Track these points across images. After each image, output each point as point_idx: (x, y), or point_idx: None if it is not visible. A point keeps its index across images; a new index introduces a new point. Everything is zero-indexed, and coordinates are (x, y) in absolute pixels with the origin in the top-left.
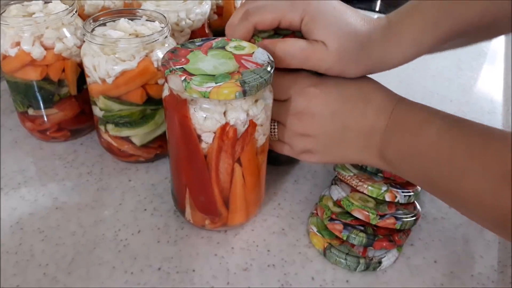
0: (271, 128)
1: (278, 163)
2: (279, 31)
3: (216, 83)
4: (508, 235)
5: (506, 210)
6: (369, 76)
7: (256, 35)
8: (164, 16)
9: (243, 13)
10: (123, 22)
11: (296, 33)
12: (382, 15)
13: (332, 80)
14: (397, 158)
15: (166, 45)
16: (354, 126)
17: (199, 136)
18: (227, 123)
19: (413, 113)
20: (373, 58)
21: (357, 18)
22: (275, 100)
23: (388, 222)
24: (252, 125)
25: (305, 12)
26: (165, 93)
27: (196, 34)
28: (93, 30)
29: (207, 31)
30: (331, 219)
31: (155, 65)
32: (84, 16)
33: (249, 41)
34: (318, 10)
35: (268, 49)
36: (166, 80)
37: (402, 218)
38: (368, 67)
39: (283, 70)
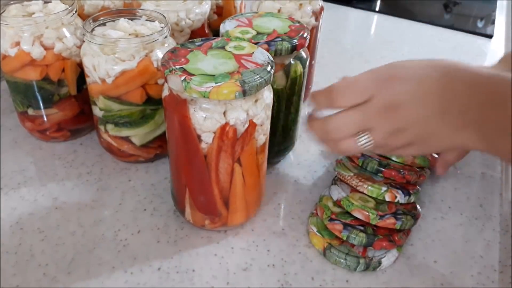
0: (361, 141)
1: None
2: (261, 31)
3: (216, 83)
4: None
5: None
6: None
7: (240, 37)
8: (164, 16)
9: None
10: (123, 22)
11: (279, 31)
12: (382, 15)
13: (405, 64)
14: (498, 133)
15: (166, 45)
16: (446, 105)
17: (199, 136)
18: (227, 123)
19: (502, 82)
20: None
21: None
22: (346, 110)
23: (388, 222)
24: (252, 125)
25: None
26: (165, 93)
27: (196, 34)
28: (93, 30)
29: (206, 31)
30: (331, 219)
31: (155, 65)
32: (84, 16)
33: None
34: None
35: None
36: (166, 80)
37: (402, 218)
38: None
39: None
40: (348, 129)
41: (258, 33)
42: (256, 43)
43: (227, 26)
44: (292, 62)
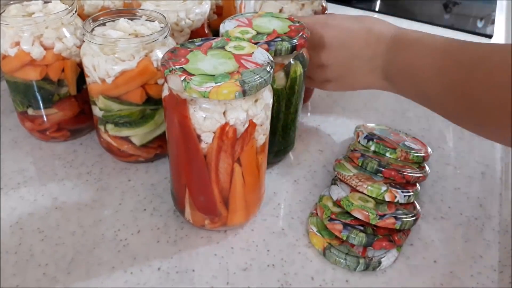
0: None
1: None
2: (260, 30)
3: (215, 83)
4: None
5: (481, 109)
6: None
7: (240, 37)
8: (164, 16)
9: None
10: (122, 22)
11: (278, 31)
12: (382, 15)
13: (337, 17)
14: (397, 74)
15: (166, 45)
16: (360, 53)
17: (198, 136)
18: (226, 123)
19: (408, 35)
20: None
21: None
22: None
23: (388, 222)
24: (251, 125)
25: None
26: (165, 93)
27: (195, 34)
28: (92, 30)
29: (206, 31)
30: (331, 219)
31: (155, 65)
32: (83, 16)
33: None
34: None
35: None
36: (165, 80)
37: (402, 218)
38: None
39: None
40: None
41: (258, 33)
42: (256, 43)
43: (227, 26)
44: (292, 62)
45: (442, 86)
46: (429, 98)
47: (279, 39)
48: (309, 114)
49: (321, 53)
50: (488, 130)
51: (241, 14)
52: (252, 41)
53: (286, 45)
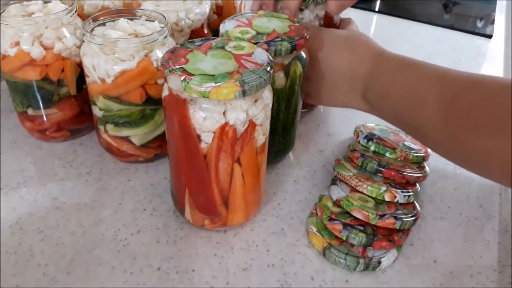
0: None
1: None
2: (261, 30)
3: (215, 83)
4: (453, 157)
5: (452, 133)
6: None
7: (240, 37)
8: (164, 16)
9: None
10: (122, 22)
11: (278, 31)
12: (382, 15)
13: (327, 30)
14: (375, 98)
15: (166, 45)
16: (340, 71)
17: (198, 136)
18: (226, 123)
19: (390, 62)
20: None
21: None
22: None
23: (388, 222)
24: (251, 125)
25: None
26: (165, 93)
27: (195, 34)
28: (92, 30)
29: (206, 31)
30: (331, 219)
31: (155, 65)
32: (83, 16)
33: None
34: None
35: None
36: (165, 80)
37: (402, 218)
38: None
39: None
40: None
41: (257, 33)
42: (255, 43)
43: (226, 26)
44: (292, 62)
45: (423, 116)
46: (405, 120)
47: (279, 39)
48: (309, 114)
49: (310, 66)
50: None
51: (241, 14)
52: (252, 41)
53: (286, 45)
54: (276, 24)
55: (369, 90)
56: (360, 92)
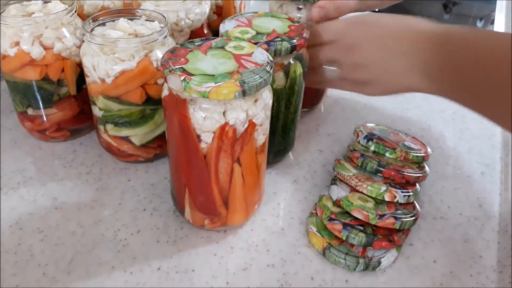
0: (329, 69)
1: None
2: (260, 31)
3: (215, 83)
4: None
5: None
6: None
7: (240, 37)
8: (164, 16)
9: None
10: (122, 22)
11: (278, 31)
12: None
13: (375, 14)
14: (441, 72)
15: (166, 45)
16: (396, 50)
17: (198, 136)
18: (226, 123)
19: (455, 31)
20: None
21: None
22: (322, 44)
23: (388, 222)
24: (251, 125)
25: None
26: (165, 93)
27: (195, 34)
28: (92, 30)
29: (206, 31)
30: (331, 219)
31: (155, 65)
32: (83, 16)
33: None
34: None
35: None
36: (165, 80)
37: (402, 218)
38: None
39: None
40: (320, 57)
41: (257, 33)
42: (255, 43)
43: (226, 26)
44: (291, 62)
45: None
46: (484, 101)
47: (279, 39)
48: (309, 114)
49: (357, 53)
50: None
51: (241, 14)
52: (252, 41)
53: (286, 45)
54: (276, 24)
55: (432, 64)
56: (422, 69)
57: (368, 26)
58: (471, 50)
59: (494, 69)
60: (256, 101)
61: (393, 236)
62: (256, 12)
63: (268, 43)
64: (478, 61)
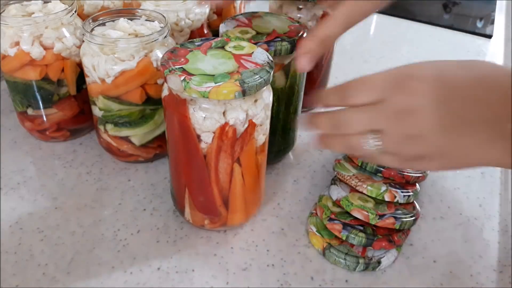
0: (370, 141)
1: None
2: (260, 30)
3: (215, 83)
4: None
5: None
6: None
7: (240, 37)
8: (164, 16)
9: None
10: (122, 22)
11: (278, 31)
12: (381, 15)
13: (431, 64)
14: None
15: (166, 45)
16: (476, 113)
17: (198, 136)
18: (226, 123)
19: None
20: None
21: None
22: (363, 105)
23: (388, 222)
24: (251, 125)
25: None
26: (165, 93)
27: (195, 34)
28: (92, 30)
29: (206, 31)
30: (331, 219)
31: (155, 65)
32: (83, 16)
33: None
34: None
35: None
36: (165, 80)
37: (401, 218)
38: None
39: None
40: (359, 125)
41: (257, 33)
42: (255, 43)
43: (226, 26)
44: (292, 62)
45: None
46: None
47: (279, 39)
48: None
49: (408, 120)
50: None
51: (241, 14)
52: (252, 41)
53: (286, 45)
54: (276, 24)
55: None
56: (507, 139)
57: (426, 82)
58: None
59: None
60: (256, 101)
61: (393, 236)
62: (256, 12)
63: (268, 43)
64: None
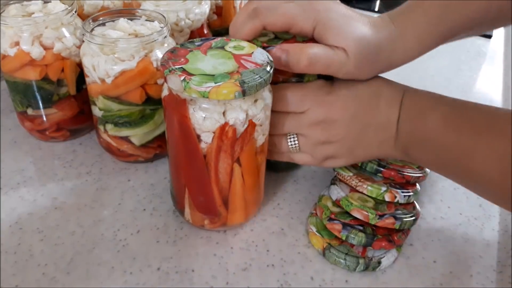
0: (290, 141)
1: (278, 169)
2: (279, 35)
3: (215, 83)
4: None
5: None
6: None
7: (255, 38)
8: (164, 16)
9: (252, 11)
10: (122, 22)
11: (297, 37)
12: (381, 15)
13: (343, 84)
14: (410, 145)
15: (166, 45)
16: (373, 123)
17: (198, 136)
18: (226, 123)
19: (419, 101)
20: (382, 59)
21: (365, 21)
22: (289, 112)
23: (387, 222)
24: (251, 125)
25: (317, 22)
26: (165, 93)
27: (195, 34)
28: (92, 30)
29: (206, 31)
30: (330, 219)
31: (155, 65)
32: (83, 16)
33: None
34: (329, 18)
35: (291, 53)
36: (165, 80)
37: (402, 218)
38: (379, 68)
39: (286, 79)
40: (282, 128)
41: (276, 37)
42: (267, 47)
43: None
44: None
45: (459, 158)
46: (448, 169)
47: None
48: None
49: (327, 130)
50: None
51: None
52: (265, 44)
53: None
54: None
55: (402, 136)
56: (394, 140)
57: (337, 100)
58: (435, 122)
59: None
60: (256, 101)
61: (393, 236)
62: None
63: None
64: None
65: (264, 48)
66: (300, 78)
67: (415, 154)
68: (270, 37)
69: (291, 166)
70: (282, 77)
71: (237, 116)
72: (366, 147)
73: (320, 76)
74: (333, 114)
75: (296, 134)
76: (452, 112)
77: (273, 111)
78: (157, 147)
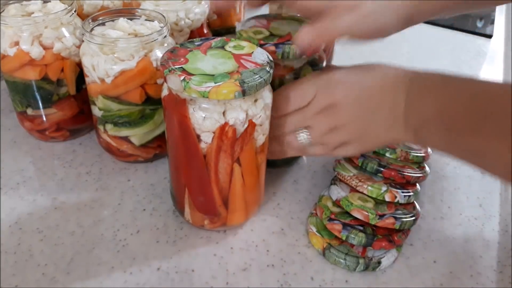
0: (300, 136)
1: (276, 165)
2: (275, 32)
3: (215, 82)
4: None
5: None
6: None
7: (252, 37)
8: (163, 16)
9: None
10: (122, 21)
11: (292, 34)
12: None
13: (342, 70)
14: (420, 123)
15: (165, 44)
16: (378, 106)
17: (198, 136)
18: (226, 123)
19: (425, 81)
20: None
21: None
22: (295, 110)
23: (388, 222)
24: (251, 125)
25: None
26: (164, 92)
27: (195, 33)
28: (92, 29)
29: (206, 31)
30: (330, 219)
31: (154, 65)
32: (83, 16)
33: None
34: None
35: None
36: (165, 80)
37: (402, 218)
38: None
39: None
40: (288, 126)
41: (271, 34)
42: (263, 44)
43: (242, 25)
44: (304, 66)
45: (471, 131)
46: (459, 145)
47: (289, 42)
48: None
49: (331, 115)
50: None
51: (264, 15)
52: (261, 42)
53: (294, 48)
54: (294, 28)
55: (412, 116)
56: (403, 121)
57: (340, 85)
58: (449, 96)
59: (489, 112)
60: (256, 101)
61: (393, 236)
62: (280, 14)
63: (276, 45)
64: (467, 104)
65: (261, 45)
66: (296, 74)
67: (425, 135)
68: (265, 35)
69: (289, 161)
70: (278, 77)
71: (237, 116)
72: (375, 131)
73: (314, 68)
74: (334, 98)
75: (304, 127)
76: (463, 86)
77: (279, 115)
78: (157, 147)
